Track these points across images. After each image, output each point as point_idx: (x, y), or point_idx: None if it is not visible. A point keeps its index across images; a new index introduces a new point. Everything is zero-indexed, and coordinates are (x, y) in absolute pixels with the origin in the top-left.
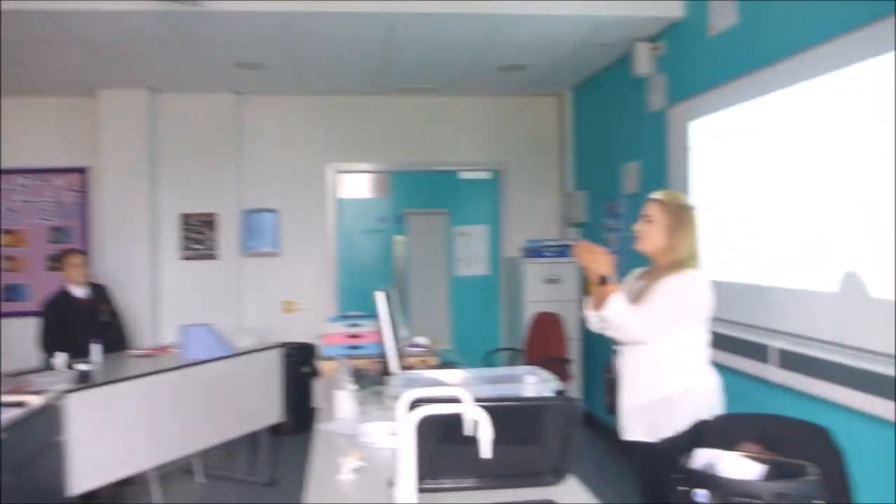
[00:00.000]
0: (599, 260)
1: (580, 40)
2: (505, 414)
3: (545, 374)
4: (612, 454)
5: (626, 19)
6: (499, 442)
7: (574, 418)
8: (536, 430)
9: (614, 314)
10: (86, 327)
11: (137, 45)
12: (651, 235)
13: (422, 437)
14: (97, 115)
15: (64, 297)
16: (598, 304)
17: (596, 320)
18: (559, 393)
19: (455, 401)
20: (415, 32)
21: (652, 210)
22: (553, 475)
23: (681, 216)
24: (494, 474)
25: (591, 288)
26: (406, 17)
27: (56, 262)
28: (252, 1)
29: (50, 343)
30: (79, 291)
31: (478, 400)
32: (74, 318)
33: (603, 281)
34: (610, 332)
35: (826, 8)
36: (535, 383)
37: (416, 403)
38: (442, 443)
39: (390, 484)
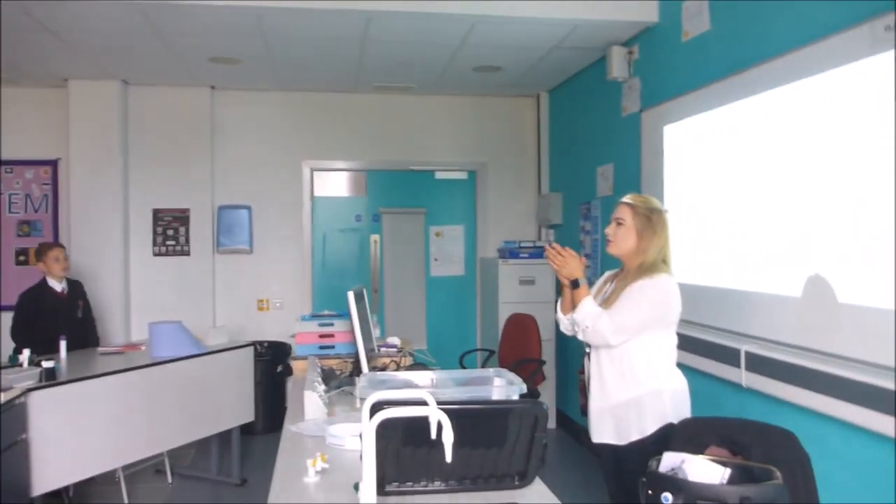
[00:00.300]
0: (570, 263)
1: (556, 43)
2: (470, 417)
3: (512, 377)
4: (585, 456)
5: (600, 23)
6: (464, 445)
7: (540, 422)
8: (502, 433)
9: (584, 318)
10: (61, 322)
11: (110, 36)
12: (622, 239)
13: (387, 439)
14: (68, 106)
15: (42, 289)
16: (569, 307)
17: (567, 323)
18: (531, 396)
19: (419, 403)
20: (390, 31)
21: (622, 213)
22: (519, 479)
23: (651, 220)
24: (460, 477)
25: (562, 290)
26: (381, 14)
27: (35, 254)
28: None
29: (24, 335)
30: (57, 286)
31: (443, 403)
32: (50, 312)
33: (575, 284)
34: (580, 336)
35: (797, 16)
36: (502, 386)
37: (377, 406)
38: (407, 445)
39: (356, 487)
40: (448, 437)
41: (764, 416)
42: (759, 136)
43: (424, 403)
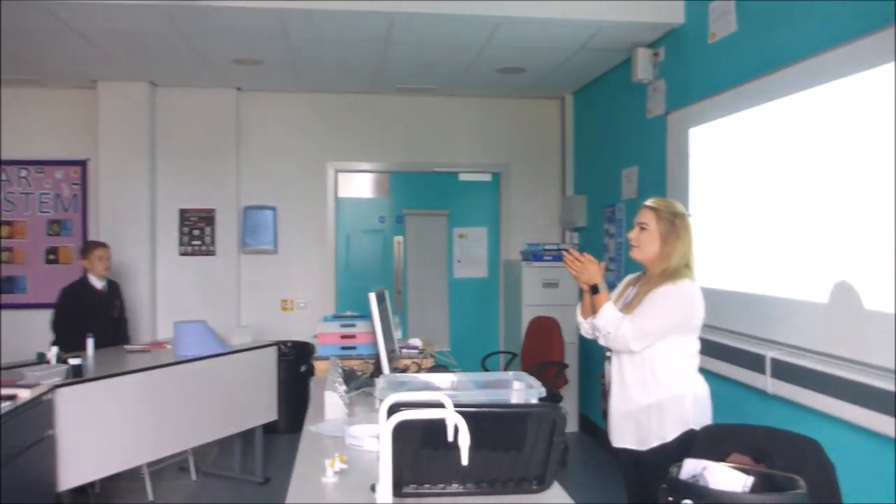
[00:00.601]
0: (588, 269)
1: (580, 45)
2: (488, 420)
3: (532, 380)
4: (607, 459)
5: (625, 24)
6: (482, 448)
7: (558, 426)
8: (520, 436)
9: (606, 323)
10: (99, 319)
11: (137, 38)
12: (646, 244)
13: (405, 441)
14: (97, 107)
15: (82, 286)
16: (589, 311)
17: (587, 327)
18: (553, 399)
19: (437, 406)
20: (413, 32)
21: (646, 217)
22: (537, 483)
23: (675, 224)
24: (478, 481)
25: (582, 294)
26: (404, 16)
27: (81, 252)
28: None
29: (63, 329)
30: (97, 283)
31: (461, 405)
32: (89, 309)
33: (594, 290)
34: (601, 341)
35: (825, 18)
36: (521, 389)
37: (394, 407)
38: (425, 447)
39: (372, 488)
40: (464, 440)
41: (789, 424)
42: (786, 139)
43: (442, 406)
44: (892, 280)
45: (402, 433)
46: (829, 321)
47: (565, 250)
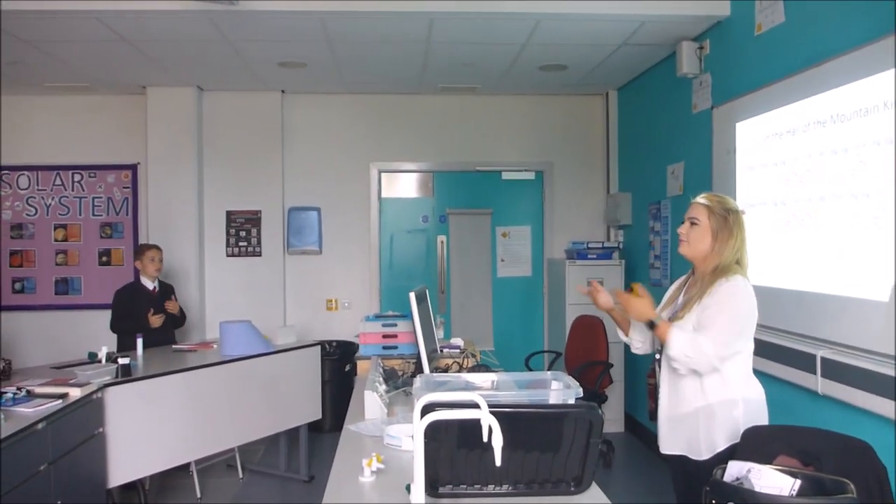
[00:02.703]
0: (635, 307)
1: (623, 40)
2: (524, 420)
3: (569, 380)
4: (653, 461)
5: (669, 18)
6: (518, 449)
7: (595, 427)
8: (557, 437)
9: (680, 352)
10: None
11: (184, 44)
12: (696, 240)
13: (441, 441)
14: (146, 112)
15: (135, 286)
16: (626, 328)
17: (638, 344)
18: (597, 399)
19: (471, 406)
20: (454, 31)
21: (697, 213)
22: (575, 484)
23: (728, 220)
24: (514, 481)
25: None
26: (444, 16)
27: (135, 253)
28: (290, 1)
29: (119, 329)
30: (149, 284)
31: (496, 406)
32: (142, 309)
33: (650, 325)
34: (682, 369)
35: (875, 7)
36: (559, 389)
37: (429, 408)
38: (461, 448)
39: (407, 488)
40: (497, 441)
41: (840, 426)
42: (838, 131)
43: (476, 406)
44: None
45: (438, 433)
46: (885, 319)
47: (588, 283)
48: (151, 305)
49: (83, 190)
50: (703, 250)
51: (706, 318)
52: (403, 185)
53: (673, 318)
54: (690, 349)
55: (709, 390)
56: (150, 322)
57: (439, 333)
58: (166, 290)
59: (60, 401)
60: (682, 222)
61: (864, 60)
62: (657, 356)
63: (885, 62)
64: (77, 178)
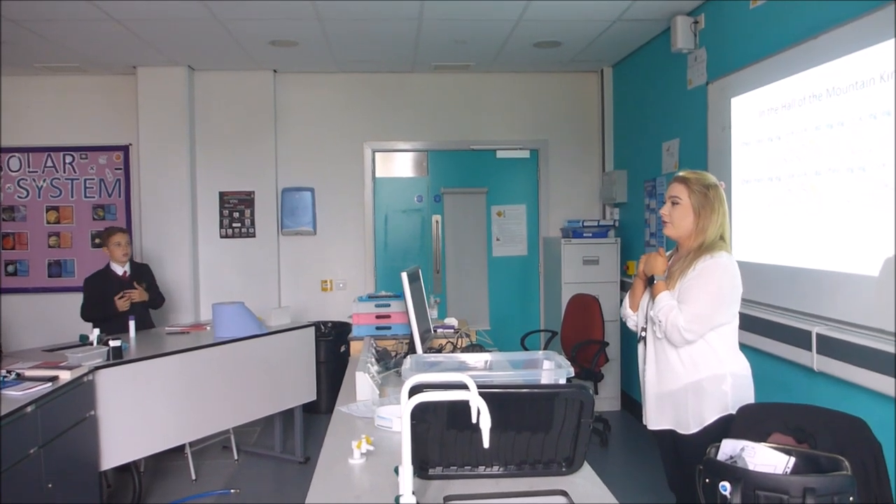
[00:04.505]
0: (656, 262)
1: (617, 15)
2: (514, 401)
3: (561, 360)
4: (649, 438)
5: None
6: (509, 429)
7: (586, 407)
8: (548, 418)
9: (658, 311)
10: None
11: (174, 24)
12: (679, 219)
13: (431, 423)
14: (137, 93)
15: (105, 274)
16: (637, 304)
17: (634, 320)
18: (593, 377)
19: (459, 387)
20: (446, 8)
21: (677, 191)
22: (566, 465)
23: (708, 196)
24: (505, 462)
25: (633, 285)
26: None
27: (101, 238)
28: None
29: (90, 317)
30: (119, 269)
31: (485, 386)
32: (111, 295)
33: (650, 280)
34: (658, 333)
35: None
36: (551, 369)
37: (416, 389)
38: (451, 429)
39: (396, 470)
40: (485, 422)
41: (836, 402)
42: (833, 105)
43: (465, 387)
44: None
45: (428, 415)
46: (880, 294)
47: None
48: (121, 290)
49: (75, 171)
50: (687, 228)
51: (684, 292)
52: (398, 164)
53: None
54: (664, 314)
55: (698, 364)
56: (116, 306)
57: (434, 313)
58: (139, 273)
59: (50, 384)
60: (665, 202)
61: (860, 32)
62: (642, 333)
63: (880, 33)
64: (69, 159)
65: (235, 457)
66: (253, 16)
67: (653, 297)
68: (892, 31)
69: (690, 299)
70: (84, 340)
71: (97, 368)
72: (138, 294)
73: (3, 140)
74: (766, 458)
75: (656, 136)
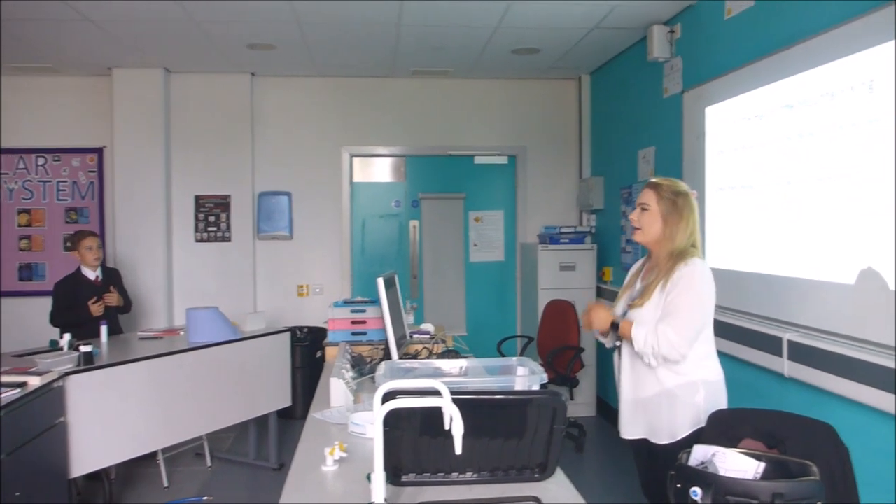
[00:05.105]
0: (597, 318)
1: (595, 23)
2: (487, 408)
3: (534, 366)
4: (624, 444)
5: (640, 2)
6: (482, 436)
7: (559, 414)
8: (521, 424)
9: (645, 344)
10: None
11: (150, 25)
12: (648, 225)
13: (404, 429)
14: (112, 94)
15: (76, 277)
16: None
17: (607, 341)
18: (569, 383)
19: (432, 394)
20: (424, 14)
21: (647, 198)
22: (539, 471)
23: (677, 203)
24: (478, 469)
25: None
26: None
27: (71, 242)
28: None
29: (60, 322)
30: (91, 273)
31: (458, 393)
32: (83, 300)
33: (614, 327)
34: (652, 362)
35: None
36: (524, 375)
37: (390, 395)
38: (424, 435)
39: (368, 477)
40: (458, 429)
41: (806, 408)
42: (806, 115)
43: (438, 394)
44: None
45: (401, 421)
46: (851, 302)
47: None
48: (94, 295)
49: (48, 174)
50: (656, 234)
51: (669, 305)
52: (375, 169)
53: (631, 305)
54: (655, 340)
55: (672, 370)
56: (90, 311)
57: (410, 319)
58: (111, 278)
59: (19, 390)
60: (635, 208)
61: (831, 44)
62: (617, 343)
63: (851, 46)
64: (41, 161)
65: (209, 463)
66: (230, 18)
67: (624, 337)
68: (862, 43)
69: (676, 312)
70: (54, 346)
71: (67, 374)
72: (115, 299)
73: None
74: (736, 464)
75: (632, 143)
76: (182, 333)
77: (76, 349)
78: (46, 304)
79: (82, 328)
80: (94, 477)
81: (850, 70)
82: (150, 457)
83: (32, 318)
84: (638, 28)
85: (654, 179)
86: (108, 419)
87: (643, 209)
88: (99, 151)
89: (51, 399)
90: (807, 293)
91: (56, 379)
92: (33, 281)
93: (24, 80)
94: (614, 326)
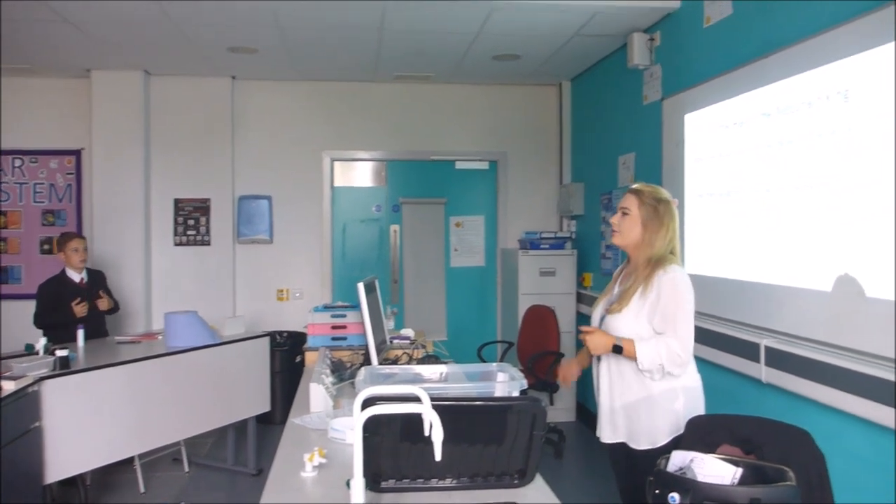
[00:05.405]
0: (599, 342)
1: (575, 30)
2: (466, 414)
3: (514, 372)
4: (603, 449)
5: (621, 9)
6: (462, 442)
7: (538, 420)
8: (500, 430)
9: (652, 363)
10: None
11: (130, 27)
12: (627, 229)
13: (384, 435)
14: (91, 96)
15: (61, 279)
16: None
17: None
18: (549, 388)
19: (412, 399)
20: (407, 19)
21: (628, 203)
22: (519, 477)
23: (658, 210)
24: (458, 475)
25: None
26: (396, 3)
27: (57, 244)
28: None
29: (44, 324)
30: (76, 276)
31: (438, 399)
32: (69, 302)
33: (618, 350)
34: (657, 376)
35: None
36: (504, 381)
37: (369, 401)
38: (404, 441)
39: (348, 483)
40: (437, 435)
41: (783, 413)
42: (783, 123)
43: (418, 400)
44: (893, 266)
45: (381, 427)
46: (828, 309)
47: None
48: (78, 297)
49: (24, 176)
50: (634, 239)
51: (665, 318)
52: (356, 173)
53: (609, 310)
54: (662, 357)
55: (649, 379)
56: (74, 312)
57: (391, 324)
58: (96, 280)
59: None
60: (616, 212)
61: (808, 53)
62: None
63: (827, 55)
64: (18, 163)
65: (186, 469)
66: (211, 21)
67: (629, 356)
68: (839, 53)
69: (675, 324)
70: (30, 350)
71: (43, 379)
72: (106, 303)
73: None
74: (714, 469)
75: (613, 149)
76: (160, 338)
77: (52, 353)
78: (22, 307)
79: (69, 329)
80: (70, 483)
81: (827, 79)
82: (127, 462)
83: (8, 321)
84: (618, 35)
85: (636, 185)
86: (84, 424)
87: (624, 213)
88: (77, 154)
89: (26, 404)
90: (784, 300)
91: (31, 384)
92: (9, 284)
93: (3, 81)
94: (617, 350)
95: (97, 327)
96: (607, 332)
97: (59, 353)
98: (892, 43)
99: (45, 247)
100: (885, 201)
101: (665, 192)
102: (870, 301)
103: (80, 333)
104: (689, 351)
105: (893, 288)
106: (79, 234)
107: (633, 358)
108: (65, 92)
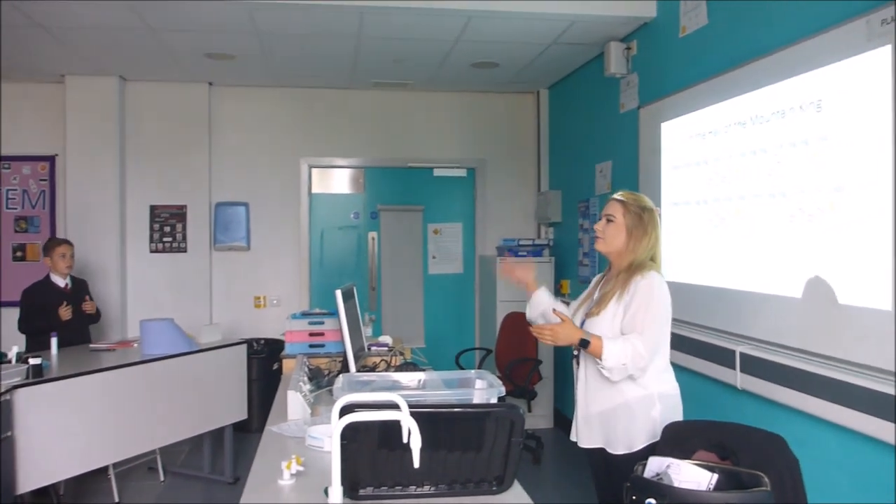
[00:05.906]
0: (561, 333)
1: (553, 39)
2: (445, 421)
3: (493, 379)
4: (581, 455)
5: (598, 18)
6: (440, 449)
7: (517, 426)
8: (478, 437)
9: (617, 363)
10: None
11: (105, 32)
12: (611, 236)
13: (362, 442)
14: (65, 102)
15: (45, 285)
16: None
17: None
18: (527, 395)
19: (390, 407)
20: (385, 26)
21: (613, 210)
22: (497, 484)
23: (643, 218)
24: (436, 482)
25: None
26: (374, 10)
27: (43, 249)
28: None
29: (29, 329)
30: (60, 281)
31: (416, 406)
32: (52, 308)
33: (584, 344)
34: (615, 377)
35: (796, 9)
36: (482, 388)
37: (347, 408)
38: (382, 448)
39: (325, 491)
40: (416, 442)
41: (758, 419)
42: (757, 132)
43: (397, 407)
44: (864, 274)
45: (359, 434)
46: (802, 315)
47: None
48: (63, 304)
49: None
50: (618, 246)
51: (633, 319)
52: (334, 180)
53: (589, 314)
54: (627, 356)
55: (627, 385)
56: (59, 315)
57: (369, 331)
58: (80, 287)
59: None
60: (600, 219)
61: (781, 63)
62: (574, 353)
63: (800, 65)
64: None
65: (162, 478)
66: (187, 27)
67: (595, 353)
68: (812, 63)
69: (643, 326)
70: (2, 358)
71: (15, 387)
72: (92, 306)
73: None
74: (690, 475)
75: (590, 157)
76: (136, 345)
77: (25, 361)
78: None
79: (50, 335)
80: (43, 493)
81: (801, 89)
82: (101, 471)
83: None
84: (595, 44)
85: (621, 194)
86: (58, 433)
87: (609, 220)
88: (51, 160)
89: None
90: (758, 306)
91: (3, 392)
92: None
93: None
94: (584, 344)
95: (81, 334)
96: (577, 327)
97: (32, 361)
98: (865, 53)
99: (18, 254)
100: (857, 210)
101: (649, 201)
102: (842, 308)
103: (54, 341)
104: (650, 353)
105: (865, 295)
106: (66, 241)
107: (598, 355)
108: (39, 97)
